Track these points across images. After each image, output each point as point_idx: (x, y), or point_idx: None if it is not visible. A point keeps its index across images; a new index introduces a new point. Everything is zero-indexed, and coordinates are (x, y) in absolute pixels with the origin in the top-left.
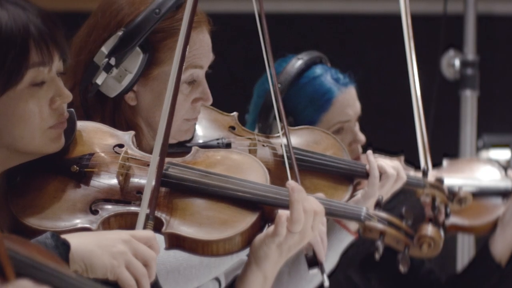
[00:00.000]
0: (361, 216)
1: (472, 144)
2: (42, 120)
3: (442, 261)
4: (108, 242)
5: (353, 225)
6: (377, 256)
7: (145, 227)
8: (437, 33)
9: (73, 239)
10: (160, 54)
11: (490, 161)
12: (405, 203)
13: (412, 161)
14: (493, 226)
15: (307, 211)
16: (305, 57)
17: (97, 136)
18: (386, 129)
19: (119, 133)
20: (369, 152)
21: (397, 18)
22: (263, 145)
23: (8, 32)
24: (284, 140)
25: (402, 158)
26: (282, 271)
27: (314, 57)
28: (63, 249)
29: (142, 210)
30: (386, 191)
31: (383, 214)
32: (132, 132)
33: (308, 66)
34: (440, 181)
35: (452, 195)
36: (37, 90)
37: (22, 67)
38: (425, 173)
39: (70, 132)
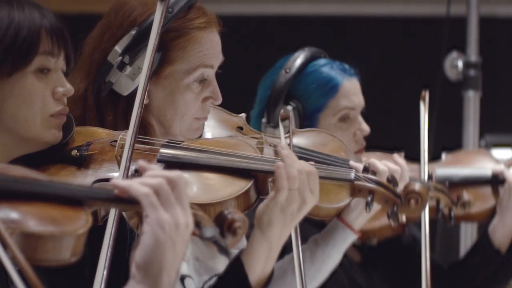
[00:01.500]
0: (351, 176)
1: (475, 144)
2: (44, 106)
3: (446, 250)
4: None
5: (357, 224)
6: (368, 210)
7: None
8: (440, 35)
9: None
10: (172, 52)
11: (485, 150)
12: None
13: (413, 158)
14: (491, 213)
15: (300, 171)
16: (311, 49)
17: (94, 135)
18: (388, 127)
19: (114, 132)
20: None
21: (398, 20)
22: (270, 145)
23: (22, 20)
24: (288, 141)
25: (402, 154)
26: (286, 268)
27: (319, 51)
28: None
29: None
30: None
31: (372, 176)
32: (125, 131)
33: (314, 57)
34: (445, 184)
35: (457, 199)
36: (42, 77)
37: (31, 51)
38: (430, 177)
39: (67, 130)
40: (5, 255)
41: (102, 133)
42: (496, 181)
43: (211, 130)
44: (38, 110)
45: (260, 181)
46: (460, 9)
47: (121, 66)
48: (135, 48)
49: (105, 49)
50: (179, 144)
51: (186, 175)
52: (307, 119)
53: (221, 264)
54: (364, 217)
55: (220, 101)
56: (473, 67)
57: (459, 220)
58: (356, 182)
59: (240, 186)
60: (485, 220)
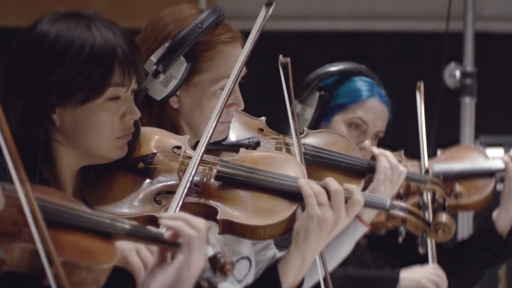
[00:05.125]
0: (386, 205)
1: (471, 144)
2: (112, 131)
3: None
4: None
5: (367, 217)
6: (400, 239)
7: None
8: (440, 48)
9: None
10: (200, 63)
11: (476, 147)
12: None
13: (414, 155)
14: (486, 202)
15: (332, 189)
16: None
17: (158, 139)
18: (393, 128)
19: (177, 136)
20: (373, 148)
21: (403, 35)
22: (287, 145)
23: (98, 51)
24: (302, 141)
25: (402, 152)
26: None
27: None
28: None
29: (176, 198)
30: (394, 183)
31: (404, 204)
32: (188, 136)
33: (364, 73)
34: (439, 178)
35: (449, 190)
36: (112, 104)
37: (104, 84)
38: (427, 172)
39: (135, 138)
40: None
41: (166, 137)
42: (491, 174)
43: (236, 132)
44: (105, 135)
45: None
46: (458, 25)
47: (156, 74)
48: (168, 58)
49: (142, 58)
50: (235, 164)
51: (241, 193)
52: (326, 115)
53: (245, 248)
54: (374, 212)
55: (242, 107)
56: (469, 76)
57: (457, 209)
58: (391, 211)
59: (288, 209)
60: (480, 209)
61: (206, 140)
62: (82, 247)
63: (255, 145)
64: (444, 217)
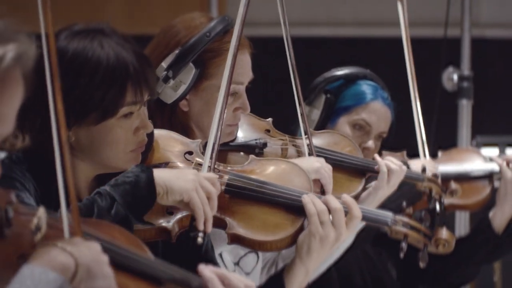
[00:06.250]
0: (388, 222)
1: (467, 144)
2: (126, 145)
3: None
4: (182, 173)
5: None
6: (402, 255)
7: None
8: (438, 53)
9: (155, 171)
10: (209, 70)
11: (475, 149)
12: (406, 194)
13: (414, 155)
14: (484, 203)
15: (332, 207)
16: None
17: (170, 144)
18: (396, 130)
19: (188, 141)
20: (376, 155)
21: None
22: (293, 145)
23: (112, 71)
24: (307, 141)
25: (405, 152)
26: None
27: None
28: (148, 172)
29: (206, 160)
30: (392, 184)
31: (406, 219)
32: (199, 141)
33: (369, 77)
34: (436, 176)
35: (445, 187)
36: (125, 121)
37: (118, 105)
38: (424, 170)
39: (148, 147)
40: None
41: (177, 142)
42: (489, 176)
43: (243, 133)
44: (120, 150)
45: None
46: (455, 31)
47: (166, 79)
48: (178, 65)
49: (154, 64)
50: (244, 177)
51: (249, 207)
52: (332, 116)
53: None
54: (373, 207)
55: (248, 111)
56: (466, 80)
57: (455, 209)
58: (393, 227)
59: (294, 224)
60: (477, 209)
61: (215, 151)
62: (119, 286)
63: (262, 146)
64: (444, 233)
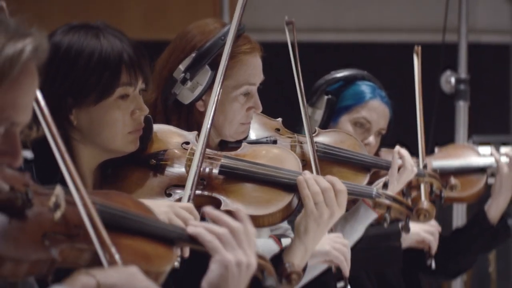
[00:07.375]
0: (372, 194)
1: (465, 142)
2: (123, 126)
3: (441, 226)
4: (156, 205)
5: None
6: (385, 225)
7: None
8: (437, 57)
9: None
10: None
11: (470, 145)
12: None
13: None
14: (478, 195)
15: (323, 187)
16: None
17: (169, 135)
18: (397, 130)
19: (185, 133)
20: (396, 149)
21: (404, 45)
22: (300, 143)
23: (106, 56)
24: (315, 139)
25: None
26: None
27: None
28: None
29: (186, 190)
30: (402, 181)
31: (389, 192)
32: (195, 132)
33: (367, 78)
34: (436, 171)
35: (445, 183)
36: (122, 102)
37: (114, 85)
38: (425, 166)
39: (147, 135)
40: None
41: (175, 134)
42: (483, 170)
43: (255, 131)
44: (118, 131)
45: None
46: (453, 37)
47: (183, 81)
48: (195, 67)
49: (172, 67)
50: (237, 158)
51: (242, 185)
52: (333, 116)
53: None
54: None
55: (260, 110)
56: (463, 82)
57: (452, 201)
58: (376, 199)
59: (284, 199)
60: (473, 201)
61: (206, 136)
62: (138, 251)
63: (272, 143)
64: (425, 204)
